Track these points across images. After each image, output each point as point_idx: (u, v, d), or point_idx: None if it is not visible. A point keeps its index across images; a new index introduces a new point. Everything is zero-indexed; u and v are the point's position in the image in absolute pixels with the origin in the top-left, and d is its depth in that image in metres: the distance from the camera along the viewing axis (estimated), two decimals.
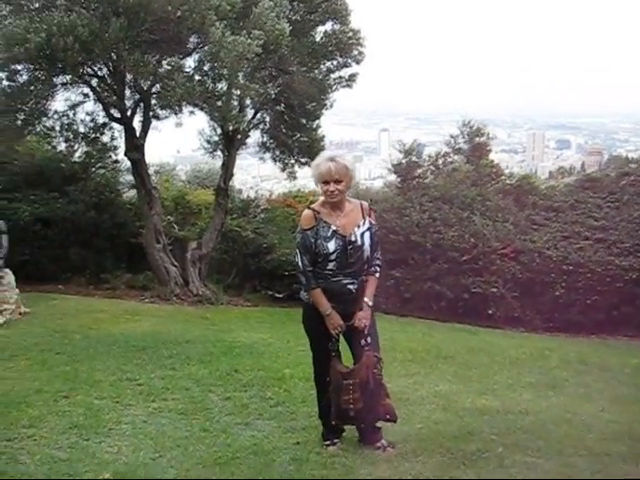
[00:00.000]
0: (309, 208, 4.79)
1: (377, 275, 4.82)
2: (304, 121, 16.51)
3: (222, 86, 12.43)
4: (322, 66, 15.60)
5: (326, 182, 4.61)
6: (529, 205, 16.45)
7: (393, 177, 17.14)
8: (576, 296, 14.95)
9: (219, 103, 12.28)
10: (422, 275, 15.38)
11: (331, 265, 4.65)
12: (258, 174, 67.71)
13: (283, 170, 17.40)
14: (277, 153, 17.14)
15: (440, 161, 17.48)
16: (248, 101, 14.90)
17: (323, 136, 17.01)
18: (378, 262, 4.86)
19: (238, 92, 12.61)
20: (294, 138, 16.77)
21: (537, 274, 15.21)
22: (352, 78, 15.70)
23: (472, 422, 5.26)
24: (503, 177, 17.16)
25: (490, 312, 14.78)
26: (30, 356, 8.35)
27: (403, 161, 17.27)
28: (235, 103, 13.91)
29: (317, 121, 16.68)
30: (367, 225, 4.78)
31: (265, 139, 17.00)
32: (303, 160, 17.10)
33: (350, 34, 15.05)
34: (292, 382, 6.61)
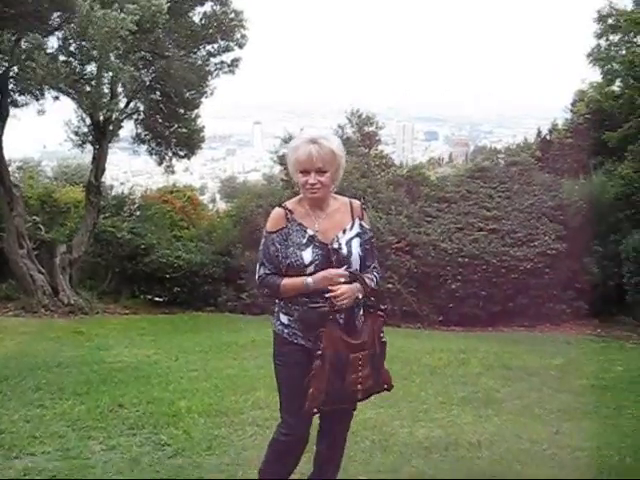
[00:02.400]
0: (280, 206, 3.56)
1: (372, 284, 3.54)
2: (182, 110, 15.35)
3: (91, 69, 11.02)
4: (202, 50, 14.46)
5: (305, 172, 3.40)
6: (422, 196, 15.89)
7: (273, 170, 16.17)
8: (472, 289, 14.53)
9: (88, 88, 10.85)
10: None
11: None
12: (129, 169, 65.19)
13: (160, 164, 16.15)
14: (153, 145, 15.88)
15: None
16: (120, 88, 13.50)
17: (203, 127, 15.94)
18: (375, 273, 3.62)
19: (109, 75, 11.20)
20: (171, 129, 15.60)
21: (433, 268, 14.66)
22: (235, 63, 14.65)
23: (422, 465, 4.33)
24: (393, 168, 16.50)
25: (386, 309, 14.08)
26: None
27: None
28: (106, 90, 12.51)
29: (196, 110, 15.58)
30: (357, 229, 3.57)
31: (140, 130, 15.68)
32: (181, 153, 15.94)
33: (232, 15, 14.00)
34: (190, 419, 5.44)
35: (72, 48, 10.65)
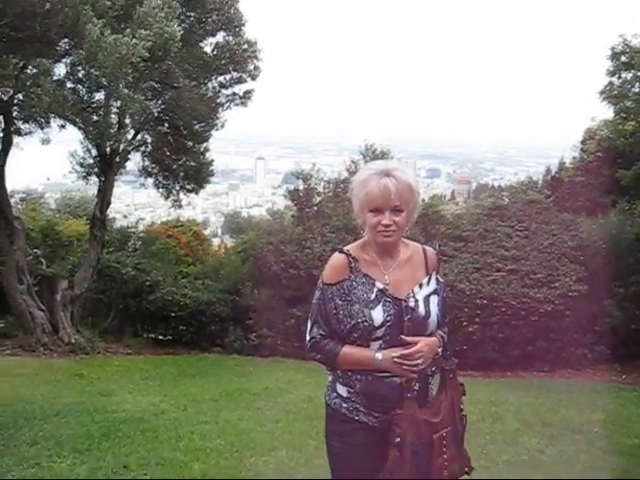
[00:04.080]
0: (341, 251, 2.92)
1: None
2: (191, 143, 14.85)
3: (100, 97, 10.51)
4: (213, 81, 14.00)
5: (377, 210, 2.77)
6: (438, 235, 15.32)
7: (278, 205, 15.71)
8: (490, 332, 13.88)
9: (95, 117, 10.33)
10: None
11: (374, 348, 2.79)
12: (132, 202, 64.88)
13: (167, 197, 15.62)
14: (160, 179, 15.37)
15: (340, 188, 16.07)
16: (128, 119, 13.02)
17: (212, 160, 15.42)
18: (443, 331, 2.98)
19: (118, 104, 10.69)
20: (179, 162, 15.08)
21: (450, 309, 13.89)
22: (247, 95, 14.20)
23: None
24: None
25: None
26: None
27: (301, 187, 15.76)
28: (114, 120, 12.01)
29: (205, 143, 15.08)
30: (434, 284, 2.95)
31: (147, 163, 15.20)
32: (189, 186, 15.44)
33: (245, 46, 13.56)
34: None
35: (80, 75, 10.11)
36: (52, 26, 9.47)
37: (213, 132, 14.75)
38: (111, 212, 19.48)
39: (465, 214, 17.76)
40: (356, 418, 2.82)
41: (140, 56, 9.22)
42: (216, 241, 27.02)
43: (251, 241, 15.97)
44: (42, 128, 11.31)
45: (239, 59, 13.55)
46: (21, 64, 9.96)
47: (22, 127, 11.69)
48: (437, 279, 2.97)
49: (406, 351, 2.71)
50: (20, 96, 10.41)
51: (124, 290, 14.31)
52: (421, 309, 2.83)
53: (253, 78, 13.90)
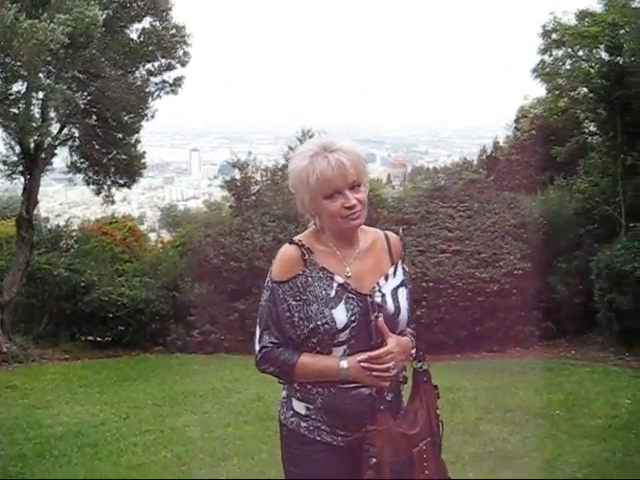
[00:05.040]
0: (292, 242, 2.47)
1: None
2: (121, 135, 14.18)
3: (18, 88, 9.81)
4: (141, 69, 13.37)
5: (334, 193, 2.34)
6: (380, 219, 15.05)
7: (215, 197, 15.25)
8: (438, 314, 13.72)
9: (15, 110, 9.65)
10: None
11: (338, 355, 2.38)
12: (65, 200, 63.11)
13: (98, 194, 14.94)
14: (90, 174, 14.66)
15: (278, 175, 15.65)
16: (52, 113, 12.32)
17: (144, 152, 14.79)
18: (411, 328, 2.57)
19: (40, 95, 10.04)
20: (109, 156, 14.42)
21: None
22: (177, 82, 13.59)
23: None
24: None
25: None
26: None
27: (238, 177, 15.28)
28: (36, 114, 11.32)
29: (136, 135, 14.43)
30: (401, 275, 2.54)
31: (75, 158, 14.45)
32: (121, 181, 14.78)
33: (173, 31, 12.97)
34: None
35: None
36: None
37: (144, 123, 14.12)
38: (43, 211, 18.71)
39: (405, 197, 17.55)
40: (318, 438, 2.39)
41: (60, 42, 8.60)
42: (154, 236, 26.30)
43: (188, 234, 15.47)
44: None
45: (167, 45, 12.95)
46: None
47: None
48: (403, 269, 2.58)
49: (374, 353, 2.30)
50: None
51: (57, 292, 13.60)
52: (390, 305, 2.43)
53: (183, 64, 13.32)
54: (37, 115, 11.46)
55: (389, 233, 2.61)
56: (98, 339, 14.14)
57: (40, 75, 9.35)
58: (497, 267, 14.12)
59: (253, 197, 15.13)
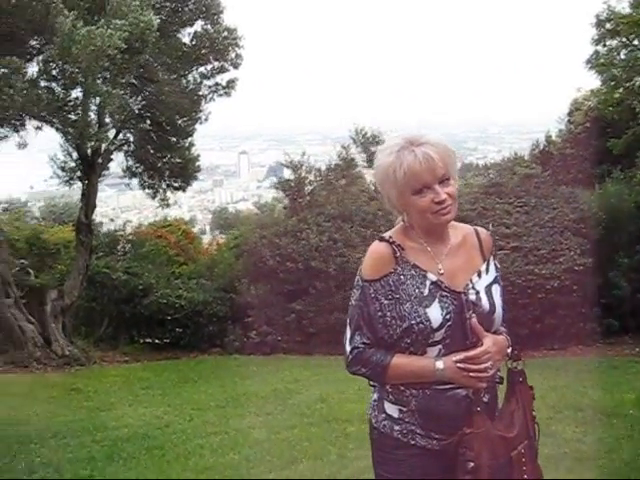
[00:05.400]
0: (382, 239, 2.37)
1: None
2: (175, 139, 14.29)
3: (77, 94, 9.94)
4: (194, 72, 13.44)
5: (423, 188, 2.26)
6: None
7: (264, 198, 15.22)
8: None
9: (73, 116, 9.77)
10: (327, 305, 13.37)
11: (432, 355, 2.28)
12: (118, 205, 64.14)
13: (154, 197, 15.08)
14: (145, 178, 14.80)
15: (332, 175, 15.59)
16: (108, 118, 12.48)
17: (198, 155, 14.85)
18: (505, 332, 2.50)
19: (97, 101, 10.15)
20: (164, 160, 14.53)
21: None
22: (230, 85, 13.63)
23: None
24: None
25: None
26: None
27: (292, 178, 15.25)
28: (93, 119, 11.47)
29: (190, 138, 14.51)
30: (493, 272, 2.46)
31: (130, 162, 14.63)
32: (176, 184, 14.89)
33: (225, 34, 12.99)
34: None
35: (54, 72, 9.57)
36: (20, 22, 8.93)
37: (197, 126, 14.20)
38: (97, 216, 18.95)
39: (460, 194, 17.23)
40: (412, 442, 2.30)
41: (117, 47, 8.68)
42: (205, 239, 26.52)
43: (243, 236, 15.47)
44: (17, 131, 10.79)
45: (219, 47, 13.01)
46: None
47: None
48: (495, 265, 2.48)
49: (471, 353, 2.21)
50: None
51: (116, 296, 13.78)
52: (484, 302, 2.33)
53: (235, 67, 13.36)
54: (93, 121, 11.61)
55: (479, 228, 2.52)
56: (157, 341, 14.28)
57: (97, 81, 9.40)
58: (557, 263, 13.80)
59: (307, 197, 15.07)
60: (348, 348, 2.33)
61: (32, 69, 9.84)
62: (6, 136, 11.18)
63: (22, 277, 12.92)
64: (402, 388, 2.30)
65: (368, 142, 15.51)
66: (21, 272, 13.13)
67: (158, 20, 10.08)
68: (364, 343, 2.29)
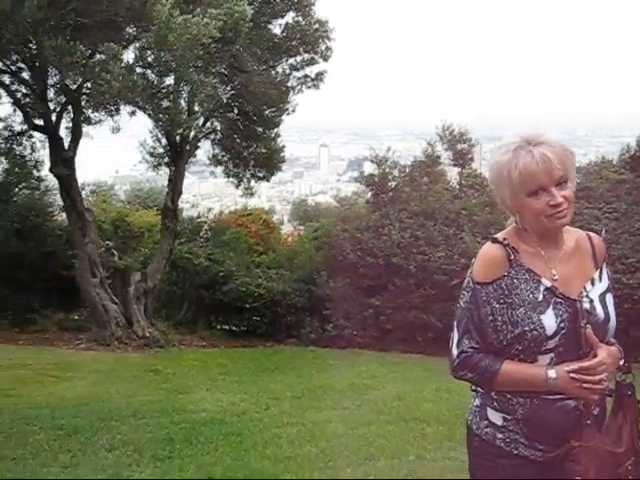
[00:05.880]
0: (496, 240, 2.28)
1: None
2: (261, 129, 14.35)
3: (170, 82, 10.10)
4: (283, 64, 13.47)
5: (539, 190, 2.17)
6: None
7: (342, 192, 15.12)
8: None
9: (165, 103, 9.94)
10: (405, 303, 13.28)
11: (544, 363, 2.20)
12: (199, 192, 65.26)
13: (237, 186, 15.20)
14: (230, 167, 14.93)
15: (417, 172, 15.41)
16: (197, 107, 12.66)
17: (283, 146, 14.88)
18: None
19: (188, 89, 10.30)
20: (250, 149, 14.59)
21: None
22: (319, 77, 13.59)
23: None
24: (488, 188, 15.16)
25: None
26: None
27: (375, 172, 15.15)
28: (183, 106, 11.64)
29: (276, 129, 14.53)
30: (606, 280, 2.35)
31: (217, 151, 14.78)
32: (260, 174, 14.96)
33: (316, 26, 12.96)
34: None
35: (150, 59, 9.74)
36: (119, 10, 9.13)
37: (284, 117, 14.23)
38: (179, 202, 19.31)
39: None
40: (515, 452, 2.22)
41: (211, 36, 8.79)
42: (283, 229, 26.68)
43: (324, 228, 15.46)
44: (112, 116, 11.06)
45: (310, 40, 12.97)
46: (89, 52, 9.60)
47: (92, 116, 11.46)
48: (607, 273, 2.36)
49: (586, 363, 2.12)
50: (89, 84, 10.11)
51: (197, 281, 14.01)
52: (599, 311, 2.23)
53: (325, 59, 13.30)
54: (184, 109, 11.78)
55: (591, 234, 2.41)
56: (234, 328, 14.45)
57: (190, 69, 9.52)
58: None
59: (390, 193, 14.94)
60: (455, 352, 2.26)
61: (128, 56, 10.06)
62: (101, 120, 11.49)
63: (107, 258, 13.22)
64: (509, 396, 2.22)
65: (455, 140, 15.23)
66: (106, 253, 13.43)
67: (252, 11, 10.12)
68: (472, 347, 2.22)
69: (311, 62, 13.33)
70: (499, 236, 2.28)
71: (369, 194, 15.81)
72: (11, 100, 11.41)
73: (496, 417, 2.26)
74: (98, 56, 9.67)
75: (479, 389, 2.33)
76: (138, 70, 9.65)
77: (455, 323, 2.28)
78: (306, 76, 13.54)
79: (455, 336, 2.27)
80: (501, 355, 2.20)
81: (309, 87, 13.60)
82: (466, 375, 2.25)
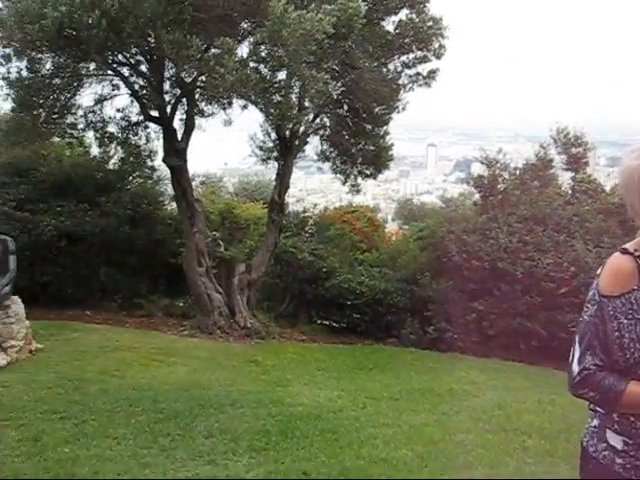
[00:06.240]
0: (626, 251, 2.16)
1: None
2: (370, 127, 14.27)
3: (282, 76, 10.20)
4: (395, 61, 13.34)
5: None
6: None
7: (448, 192, 14.77)
8: None
9: (277, 97, 10.03)
10: (510, 309, 12.92)
11: None
12: (305, 187, 65.85)
13: (344, 182, 15.17)
14: (338, 163, 14.93)
15: (528, 175, 14.96)
16: (307, 102, 12.74)
17: (392, 144, 14.72)
18: None
19: (299, 84, 10.37)
20: (358, 146, 14.53)
21: None
22: (431, 75, 13.38)
23: None
24: (603, 194, 14.57)
25: None
26: (25, 422, 6.19)
27: (485, 174, 14.82)
28: (294, 101, 11.73)
29: (385, 127, 14.40)
30: None
31: (325, 147, 14.80)
32: (367, 171, 14.88)
33: (430, 23, 12.77)
34: None
35: (263, 54, 9.87)
36: (235, 5, 9.27)
37: (393, 115, 14.09)
38: (286, 196, 19.52)
39: None
40: (634, 478, 2.08)
41: (325, 32, 8.79)
42: (387, 227, 26.53)
43: (429, 229, 15.25)
44: (224, 109, 11.29)
45: (423, 37, 12.80)
46: (204, 46, 9.81)
47: (205, 108, 11.74)
48: None
49: None
50: (203, 77, 10.33)
51: (300, 276, 14.10)
52: None
53: (438, 57, 13.10)
54: (295, 104, 11.87)
55: None
56: (334, 324, 14.44)
57: (301, 65, 9.56)
58: None
59: (499, 196, 14.57)
60: (576, 368, 2.13)
61: (242, 50, 10.19)
62: (213, 113, 11.77)
63: (214, 248, 13.50)
64: (632, 418, 2.08)
65: (569, 143, 14.70)
66: (213, 243, 13.71)
67: (366, 7, 10.06)
68: (596, 365, 2.09)
69: (423, 60, 13.16)
70: (629, 246, 2.14)
71: (477, 196, 15.51)
72: (129, 92, 11.82)
73: (616, 440, 2.12)
74: (213, 50, 9.86)
75: (598, 409, 2.18)
76: (251, 64, 9.77)
77: (577, 338, 2.14)
78: (418, 74, 13.38)
79: (577, 351, 2.13)
80: (626, 375, 2.06)
81: (420, 85, 13.43)
82: (587, 394, 2.12)
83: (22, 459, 5.28)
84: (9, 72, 10.25)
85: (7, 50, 9.82)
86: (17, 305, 9.14)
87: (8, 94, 10.45)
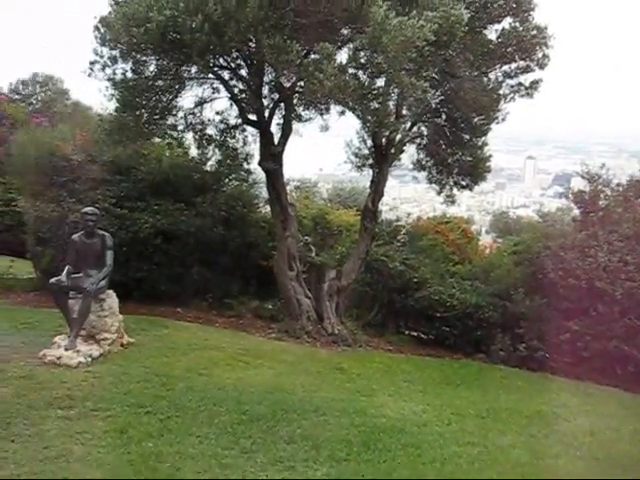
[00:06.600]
0: None
1: None
2: (468, 137, 14.00)
3: (380, 83, 10.11)
4: (497, 70, 13.03)
5: None
6: None
7: (546, 207, 14.26)
8: None
9: (375, 104, 9.96)
10: (607, 331, 12.41)
11: None
12: (398, 196, 65.51)
13: (439, 193, 14.97)
14: (434, 173, 14.74)
15: (632, 192, 14.33)
16: (405, 110, 12.62)
17: (490, 155, 14.41)
18: None
19: (398, 91, 10.27)
20: (455, 156, 14.27)
21: None
22: (534, 86, 13.01)
23: None
24: None
25: None
26: (112, 414, 6.37)
27: (586, 189, 14.29)
28: (392, 109, 11.63)
29: (484, 137, 14.10)
30: None
31: (421, 156, 14.64)
32: (464, 182, 14.63)
33: (534, 32, 12.42)
34: None
35: (362, 60, 9.81)
36: (336, 11, 9.26)
37: (493, 125, 13.76)
38: (379, 205, 19.44)
39: None
40: None
41: (426, 39, 8.66)
42: (480, 240, 26.02)
43: (525, 243, 14.83)
44: (322, 115, 11.32)
45: (526, 46, 12.45)
46: (304, 51, 9.84)
47: (302, 114, 11.80)
48: None
49: None
50: (302, 83, 10.37)
51: (391, 285, 13.98)
52: None
53: (541, 67, 12.70)
54: (392, 111, 11.77)
55: None
56: (422, 336, 14.27)
57: (401, 72, 9.46)
58: None
59: (600, 213, 14.02)
60: None
61: (341, 56, 10.17)
62: (310, 118, 11.81)
63: (305, 253, 13.55)
64: None
65: None
66: (305, 248, 13.77)
67: (468, 15, 9.88)
68: None
69: (526, 70, 12.80)
70: None
71: (576, 211, 14.98)
72: (228, 95, 12.01)
73: None
74: (312, 56, 9.89)
75: None
76: (350, 71, 9.72)
77: None
78: (520, 84, 13.03)
79: None
80: None
81: (522, 96, 13.07)
82: None
83: (107, 450, 5.41)
84: (115, 73, 10.59)
85: (114, 52, 10.14)
86: (112, 299, 9.42)
87: (113, 94, 10.80)
